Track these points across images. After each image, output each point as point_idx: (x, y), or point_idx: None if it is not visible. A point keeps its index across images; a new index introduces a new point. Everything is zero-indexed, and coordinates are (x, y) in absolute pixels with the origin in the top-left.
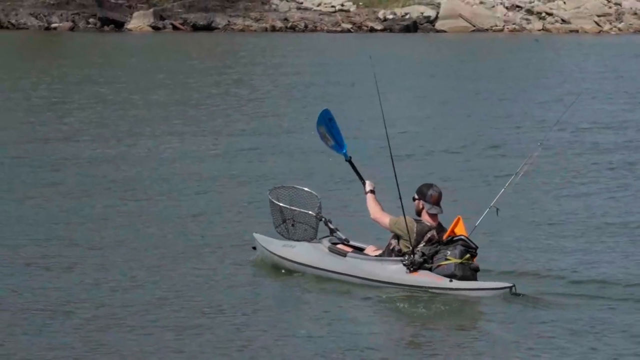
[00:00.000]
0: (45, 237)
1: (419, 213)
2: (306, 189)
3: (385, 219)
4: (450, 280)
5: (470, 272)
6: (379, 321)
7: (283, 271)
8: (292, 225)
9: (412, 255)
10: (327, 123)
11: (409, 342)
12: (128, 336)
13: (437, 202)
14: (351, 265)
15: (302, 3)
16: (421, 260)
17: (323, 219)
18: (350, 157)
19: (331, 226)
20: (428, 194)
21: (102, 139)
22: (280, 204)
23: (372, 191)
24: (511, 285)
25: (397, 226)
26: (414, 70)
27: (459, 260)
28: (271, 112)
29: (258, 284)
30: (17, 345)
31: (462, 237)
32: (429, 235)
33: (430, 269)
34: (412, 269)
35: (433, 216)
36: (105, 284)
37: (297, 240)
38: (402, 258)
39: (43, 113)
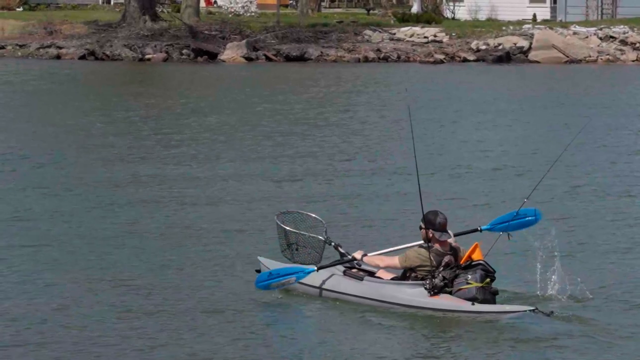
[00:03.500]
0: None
1: (428, 241)
2: (312, 214)
3: (394, 261)
4: (472, 304)
5: (490, 296)
6: (398, 343)
7: (293, 293)
8: (296, 249)
9: (432, 279)
10: (271, 279)
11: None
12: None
13: (445, 229)
14: (369, 288)
15: (394, 34)
16: (442, 284)
17: (333, 244)
18: (317, 267)
19: (341, 250)
20: (437, 223)
21: (203, 166)
22: (287, 228)
23: (364, 255)
24: (533, 308)
25: (408, 262)
26: (508, 99)
27: (481, 284)
28: (375, 141)
29: (268, 306)
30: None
31: (481, 261)
32: (445, 260)
33: (450, 293)
34: (433, 292)
35: (443, 242)
36: (109, 299)
37: (303, 264)
38: (422, 282)
39: (152, 141)
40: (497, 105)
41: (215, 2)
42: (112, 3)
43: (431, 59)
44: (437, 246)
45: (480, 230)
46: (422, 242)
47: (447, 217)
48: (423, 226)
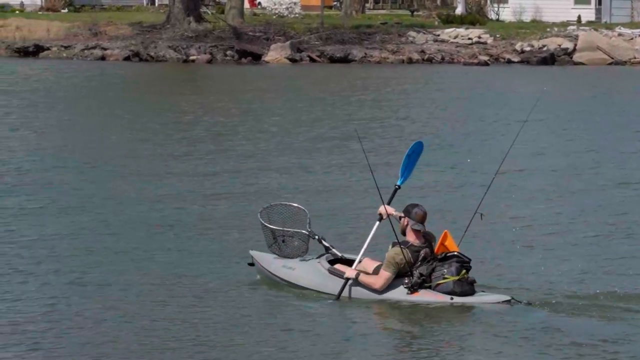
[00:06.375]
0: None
1: (403, 231)
2: (295, 204)
3: (387, 276)
4: (451, 298)
5: (468, 287)
6: (381, 334)
7: (280, 285)
8: (283, 241)
9: (411, 278)
10: None
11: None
12: (112, 346)
13: (421, 221)
14: (353, 288)
15: (438, 35)
16: (420, 281)
17: (317, 237)
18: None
19: (325, 244)
20: (413, 212)
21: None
22: (270, 226)
23: (358, 274)
24: (509, 298)
25: (397, 267)
26: (552, 102)
27: (457, 277)
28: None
29: (257, 303)
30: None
31: (456, 253)
32: (422, 254)
33: (430, 287)
34: (412, 290)
35: (417, 232)
36: (101, 293)
37: (290, 257)
38: (401, 279)
39: (205, 145)
40: (553, 107)
41: (260, 3)
42: (156, 4)
43: (475, 61)
44: (412, 240)
45: (399, 187)
46: (395, 239)
47: (427, 212)
48: (402, 215)
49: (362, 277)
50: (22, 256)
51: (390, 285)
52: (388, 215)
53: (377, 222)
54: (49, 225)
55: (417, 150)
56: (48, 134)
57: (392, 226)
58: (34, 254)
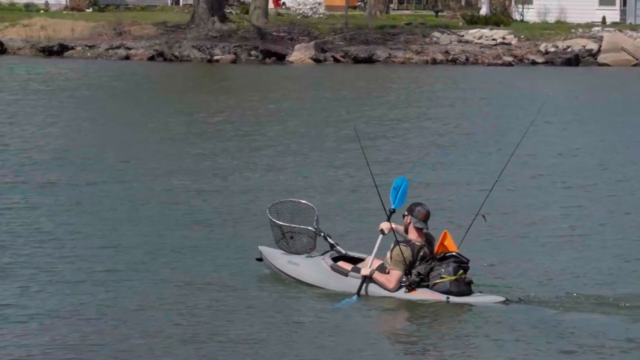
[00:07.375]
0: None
1: (406, 229)
2: (303, 201)
3: (398, 274)
4: (447, 298)
5: (465, 287)
6: (378, 332)
7: (286, 281)
8: (291, 237)
9: (409, 276)
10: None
11: (407, 350)
12: (127, 342)
13: (423, 219)
14: (352, 285)
15: (463, 36)
16: (418, 280)
17: (322, 234)
18: (358, 296)
19: (330, 241)
20: (416, 210)
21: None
22: (278, 222)
23: (372, 271)
24: (504, 299)
25: (405, 264)
26: (578, 103)
27: (454, 277)
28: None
29: (261, 295)
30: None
31: (454, 253)
32: (421, 253)
33: (428, 286)
34: (410, 288)
35: (419, 231)
36: (110, 289)
37: (298, 253)
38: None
39: (232, 143)
40: (578, 109)
41: (284, 3)
42: (181, 4)
43: (499, 61)
44: (414, 238)
45: (394, 210)
46: (399, 237)
47: (430, 212)
48: (405, 213)
49: (376, 276)
50: (50, 255)
51: None
52: (392, 229)
53: (381, 236)
54: (76, 224)
55: (403, 185)
56: (76, 133)
57: (394, 232)
58: (62, 252)
